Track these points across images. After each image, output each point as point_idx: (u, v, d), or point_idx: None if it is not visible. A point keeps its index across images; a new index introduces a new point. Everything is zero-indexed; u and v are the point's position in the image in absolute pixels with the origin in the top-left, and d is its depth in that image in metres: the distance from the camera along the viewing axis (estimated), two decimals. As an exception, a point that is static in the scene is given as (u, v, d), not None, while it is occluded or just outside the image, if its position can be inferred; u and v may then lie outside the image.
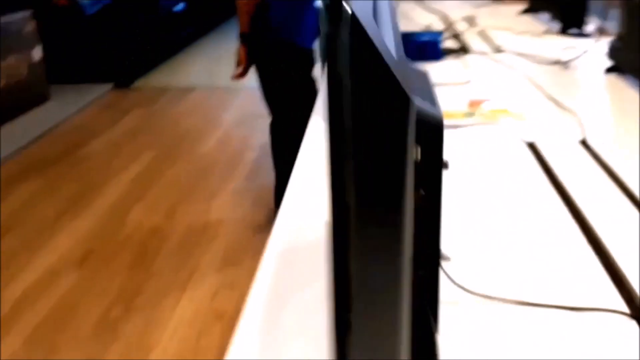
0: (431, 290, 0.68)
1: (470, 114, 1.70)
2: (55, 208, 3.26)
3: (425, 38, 2.16)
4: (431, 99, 0.67)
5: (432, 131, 0.63)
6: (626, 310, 0.90)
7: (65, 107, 4.78)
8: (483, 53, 2.31)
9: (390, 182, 0.44)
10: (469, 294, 0.94)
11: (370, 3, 0.57)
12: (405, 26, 2.61)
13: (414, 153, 0.55)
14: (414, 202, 0.66)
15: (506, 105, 1.75)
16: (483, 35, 2.60)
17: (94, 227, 3.06)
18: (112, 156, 3.88)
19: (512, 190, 1.27)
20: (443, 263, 1.02)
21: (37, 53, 4.83)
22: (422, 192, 0.65)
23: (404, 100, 0.42)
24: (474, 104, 1.78)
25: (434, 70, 2.09)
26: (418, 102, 0.62)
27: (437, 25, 2.70)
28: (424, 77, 0.76)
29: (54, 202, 3.34)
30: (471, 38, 2.52)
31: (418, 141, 0.63)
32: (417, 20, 2.84)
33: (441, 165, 0.64)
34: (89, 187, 3.48)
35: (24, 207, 3.29)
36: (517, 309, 0.91)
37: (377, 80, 0.42)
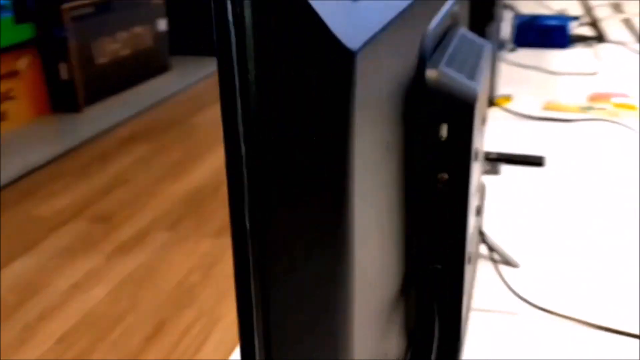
0: (452, 290, 0.62)
1: (587, 108, 1.57)
2: (159, 171, 3.44)
3: (552, 22, 2.02)
4: (471, 73, 0.61)
5: (460, 108, 0.56)
6: None
7: (183, 78, 5.00)
8: (621, 43, 2.12)
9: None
10: (532, 307, 0.85)
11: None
12: (535, 9, 2.46)
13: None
14: (425, 185, 0.60)
15: (633, 102, 1.59)
16: (628, 23, 2.40)
17: (190, 194, 3.20)
18: (219, 129, 4.02)
19: (615, 198, 1.15)
20: (510, 269, 0.94)
21: (162, 24, 5.07)
22: (444, 175, 0.58)
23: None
24: (596, 98, 1.64)
25: (558, 58, 1.96)
26: (447, 73, 0.56)
27: (574, 10, 2.52)
28: (478, 49, 0.69)
29: (159, 165, 3.53)
30: (612, 26, 2.33)
31: (444, 118, 0.57)
32: (552, 5, 2.67)
33: (470, 147, 0.57)
34: (191, 155, 3.65)
35: (131, 168, 3.50)
36: (582, 330, 0.82)
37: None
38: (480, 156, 0.72)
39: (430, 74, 0.56)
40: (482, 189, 1.00)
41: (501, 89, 1.69)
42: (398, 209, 0.54)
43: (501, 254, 0.95)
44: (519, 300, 0.86)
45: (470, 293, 0.74)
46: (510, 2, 2.04)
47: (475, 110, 0.57)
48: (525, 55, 2.00)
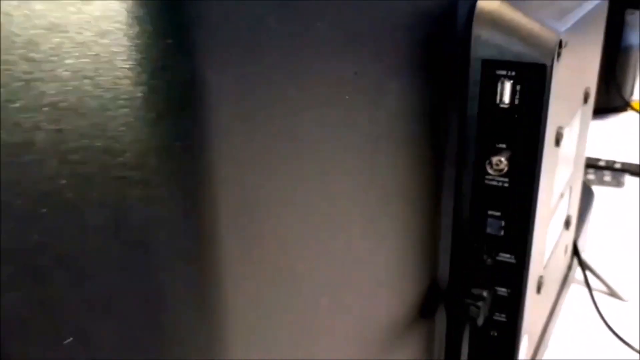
0: (506, 326, 0.43)
1: None
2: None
3: None
4: (561, 15, 0.41)
5: (529, 60, 0.38)
6: None
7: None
8: None
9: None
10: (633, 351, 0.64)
11: None
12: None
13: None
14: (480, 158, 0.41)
15: None
16: None
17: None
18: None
19: None
20: (612, 301, 0.72)
21: None
22: (499, 160, 0.40)
23: None
24: None
25: None
26: (513, 5, 0.37)
27: None
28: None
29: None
30: None
31: (512, 77, 0.38)
32: None
33: (540, 117, 0.39)
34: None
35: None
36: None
37: None
38: (571, 145, 0.52)
39: (485, 3, 0.38)
40: (586, 196, 0.78)
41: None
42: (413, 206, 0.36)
43: (604, 282, 0.73)
44: (619, 342, 0.65)
45: (540, 329, 0.54)
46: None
47: (555, 65, 0.38)
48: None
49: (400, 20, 0.32)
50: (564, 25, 0.40)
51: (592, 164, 1.09)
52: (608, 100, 1.31)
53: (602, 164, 1.09)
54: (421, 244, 0.41)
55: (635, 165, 1.08)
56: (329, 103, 0.27)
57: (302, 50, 0.24)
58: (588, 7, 0.48)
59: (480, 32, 0.39)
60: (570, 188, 0.56)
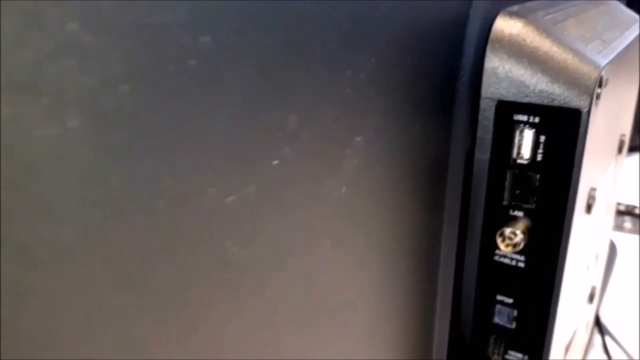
0: None
1: None
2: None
3: None
4: (603, 47, 0.31)
5: (562, 111, 0.28)
6: None
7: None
8: None
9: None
10: None
11: None
12: None
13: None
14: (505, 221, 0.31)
15: None
16: None
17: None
18: None
19: None
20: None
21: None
22: (513, 233, 0.30)
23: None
24: None
25: None
26: (542, 24, 0.27)
27: None
28: (625, 20, 0.39)
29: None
30: None
31: (536, 124, 0.29)
32: None
33: (570, 177, 0.28)
34: None
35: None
36: None
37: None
38: (602, 207, 0.42)
39: (505, 24, 0.28)
40: (608, 255, 0.67)
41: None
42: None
43: (625, 351, 0.63)
44: None
45: None
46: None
47: (593, 109, 0.28)
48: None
49: (384, 42, 0.22)
50: (604, 58, 0.30)
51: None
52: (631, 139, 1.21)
53: (621, 208, 0.99)
54: (409, 335, 0.31)
55: (657, 212, 0.98)
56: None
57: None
58: (629, 37, 0.38)
59: (497, 63, 0.29)
60: (597, 255, 0.45)
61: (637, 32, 0.39)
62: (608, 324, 0.67)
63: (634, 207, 1.00)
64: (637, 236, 0.92)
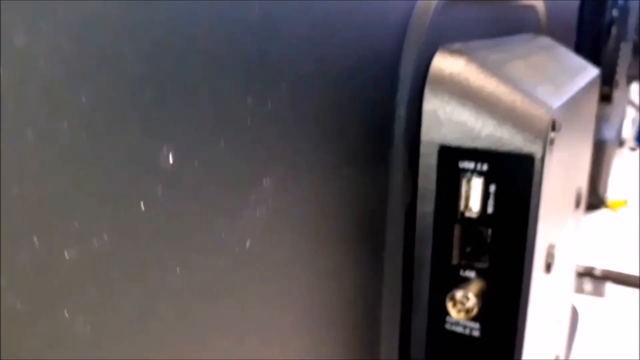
0: None
1: None
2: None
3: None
4: (556, 92, 0.28)
5: (513, 158, 0.24)
6: None
7: None
8: None
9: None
10: None
11: None
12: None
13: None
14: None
15: None
16: None
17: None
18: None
19: None
20: None
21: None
22: (471, 277, 0.26)
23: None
24: None
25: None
26: (487, 64, 0.24)
27: None
28: (575, 67, 0.37)
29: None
30: None
31: (484, 173, 0.25)
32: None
33: (526, 232, 0.25)
34: None
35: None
36: None
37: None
38: (562, 267, 0.38)
39: (444, 61, 0.25)
40: (571, 321, 0.63)
41: (616, 192, 1.31)
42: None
43: None
44: None
45: None
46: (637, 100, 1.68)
47: (547, 155, 0.24)
48: (648, 155, 1.61)
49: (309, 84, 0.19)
50: (557, 101, 0.27)
51: (569, 270, 0.96)
52: (583, 199, 1.20)
53: (580, 270, 0.96)
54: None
55: (616, 273, 0.95)
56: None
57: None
58: (580, 83, 0.35)
59: (437, 105, 0.25)
60: (560, 321, 0.42)
61: (589, 78, 0.37)
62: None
63: (593, 268, 0.97)
64: (597, 299, 0.89)
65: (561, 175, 0.31)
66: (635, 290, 0.91)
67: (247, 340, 0.17)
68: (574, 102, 0.31)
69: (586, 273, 0.95)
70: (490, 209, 0.26)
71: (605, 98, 1.18)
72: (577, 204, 0.40)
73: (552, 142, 0.25)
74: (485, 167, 0.25)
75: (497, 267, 0.26)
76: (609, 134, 1.21)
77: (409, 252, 0.26)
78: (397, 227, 0.25)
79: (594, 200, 1.21)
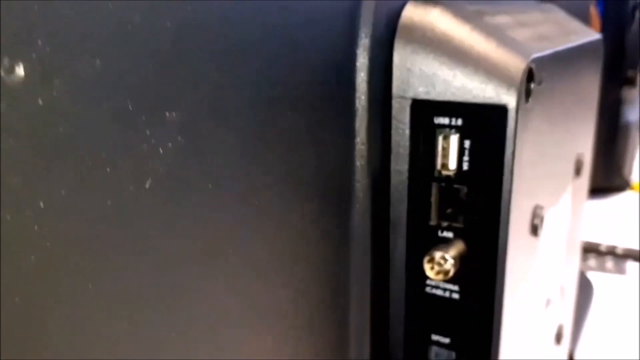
0: None
1: None
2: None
3: None
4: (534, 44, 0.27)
5: (486, 110, 0.23)
6: None
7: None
8: None
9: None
10: None
11: None
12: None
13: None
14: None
15: None
16: None
17: None
18: None
19: None
20: None
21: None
22: (450, 238, 0.25)
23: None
24: None
25: None
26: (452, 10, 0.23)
27: None
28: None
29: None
30: None
31: (459, 128, 0.24)
32: None
33: (500, 190, 0.23)
34: None
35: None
36: None
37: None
38: (561, 234, 0.36)
39: (416, 10, 0.23)
40: (583, 291, 0.61)
41: (641, 173, 1.27)
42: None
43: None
44: None
45: None
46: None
47: (522, 107, 0.23)
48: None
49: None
50: (538, 52, 0.25)
51: (592, 249, 0.93)
52: (607, 179, 1.16)
53: (602, 249, 0.93)
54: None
55: (637, 251, 0.92)
56: None
57: None
58: (577, 41, 0.33)
59: (407, 57, 0.24)
60: (562, 289, 0.40)
61: (585, 40, 0.35)
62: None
63: (615, 247, 0.94)
64: (618, 276, 0.86)
65: (549, 135, 0.29)
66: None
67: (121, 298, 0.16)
68: (563, 59, 0.29)
69: (608, 252, 0.92)
70: (465, 166, 0.24)
71: (630, 81, 1.14)
72: (578, 172, 0.38)
73: (529, 93, 0.24)
74: (460, 121, 0.24)
75: (473, 227, 0.25)
76: (634, 116, 1.17)
77: (380, 214, 0.25)
78: (365, 187, 0.23)
79: (619, 182, 1.17)
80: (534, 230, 0.28)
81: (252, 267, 0.20)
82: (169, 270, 0.16)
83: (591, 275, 0.76)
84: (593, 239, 0.96)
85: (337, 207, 0.23)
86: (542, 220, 0.29)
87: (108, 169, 0.14)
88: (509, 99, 0.23)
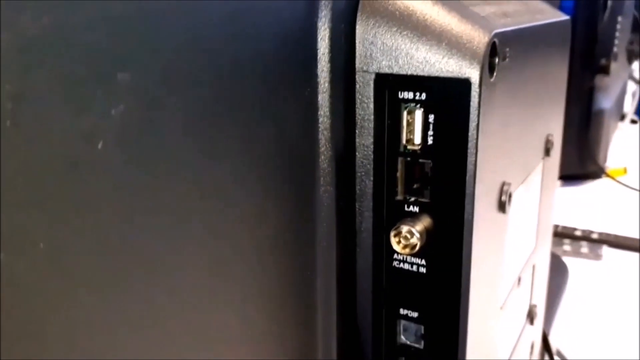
0: None
1: None
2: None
3: None
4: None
5: (449, 83, 0.22)
6: None
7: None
8: None
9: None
10: None
11: None
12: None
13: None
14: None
15: None
16: None
17: None
18: None
19: None
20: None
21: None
22: (415, 212, 0.24)
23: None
24: None
25: None
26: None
27: None
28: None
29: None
30: None
31: (423, 102, 0.23)
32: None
33: (465, 164, 0.23)
34: None
35: None
36: None
37: None
38: (530, 214, 0.36)
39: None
40: (558, 273, 0.61)
41: (617, 160, 1.28)
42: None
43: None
44: None
45: None
46: (637, 73, 1.64)
47: (486, 81, 0.22)
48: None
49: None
50: (503, 27, 0.25)
51: (567, 234, 0.93)
52: (582, 166, 1.17)
53: (578, 234, 0.94)
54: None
55: (614, 236, 0.92)
56: None
57: None
58: (543, 20, 0.33)
59: (369, 30, 0.23)
60: (534, 268, 0.40)
61: (553, 20, 0.35)
62: (567, 353, 0.61)
63: (591, 232, 0.95)
64: (594, 262, 0.87)
65: (516, 113, 0.29)
66: (631, 254, 0.88)
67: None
68: (528, 37, 0.29)
69: (584, 237, 0.92)
70: (430, 140, 0.24)
71: (603, 69, 1.14)
72: (547, 152, 0.38)
73: (493, 68, 0.23)
74: (424, 96, 0.23)
75: (439, 201, 0.24)
76: (607, 104, 1.17)
77: (346, 188, 0.24)
78: (329, 159, 0.23)
79: (594, 168, 1.18)
80: (502, 206, 0.28)
81: (212, 232, 0.19)
82: (121, 236, 0.16)
83: (567, 260, 0.77)
84: (569, 224, 0.97)
85: (301, 180, 0.22)
86: (509, 197, 0.28)
87: (59, 127, 0.13)
88: (472, 73, 0.22)
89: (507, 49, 0.25)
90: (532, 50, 0.30)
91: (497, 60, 0.24)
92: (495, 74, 0.24)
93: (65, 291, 0.14)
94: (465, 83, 0.22)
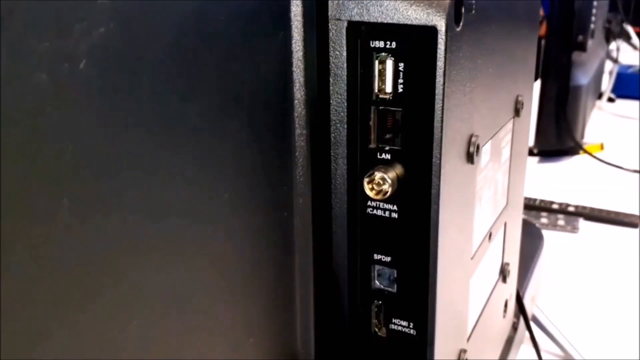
0: None
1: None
2: None
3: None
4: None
5: (417, 31, 0.23)
6: None
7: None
8: None
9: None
10: None
11: None
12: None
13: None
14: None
15: None
16: None
17: None
18: None
19: None
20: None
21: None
22: (387, 159, 0.25)
23: None
24: None
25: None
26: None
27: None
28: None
29: None
30: None
31: (394, 50, 0.24)
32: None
33: (433, 111, 0.24)
34: None
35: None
36: None
37: None
38: (500, 171, 0.37)
39: None
40: (533, 239, 0.63)
41: (594, 137, 1.30)
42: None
43: (556, 342, 0.58)
44: None
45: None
46: (615, 52, 1.66)
47: (453, 30, 0.24)
48: (626, 106, 1.60)
49: None
50: (469, -19, 0.26)
51: (545, 207, 0.95)
52: (559, 142, 1.19)
53: (555, 207, 0.96)
54: (263, 307, 0.25)
55: (590, 209, 0.95)
56: None
57: None
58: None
59: (341, -18, 0.24)
60: (505, 226, 0.41)
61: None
62: (541, 318, 0.62)
63: (567, 205, 0.97)
64: (570, 234, 0.89)
65: (485, 67, 0.30)
66: (612, 228, 0.90)
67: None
68: (497, -7, 0.30)
69: (560, 210, 0.94)
70: (400, 89, 0.25)
71: (580, 46, 1.16)
72: (517, 112, 0.39)
73: (459, 17, 0.25)
74: (394, 44, 0.24)
75: (409, 148, 0.26)
76: (584, 80, 1.19)
77: (321, 134, 0.25)
78: (303, 102, 0.24)
79: (572, 144, 1.20)
80: (470, 157, 0.29)
81: (185, 178, 0.20)
82: (103, 166, 0.16)
83: (545, 233, 0.78)
84: (546, 197, 0.99)
85: (276, 122, 0.23)
86: (477, 148, 0.30)
87: (42, 45, 0.14)
88: (438, 21, 0.23)
89: (473, 1, 0.26)
90: (499, 7, 0.31)
91: (462, 10, 0.25)
92: (461, 23, 0.25)
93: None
94: (432, 30, 0.23)
